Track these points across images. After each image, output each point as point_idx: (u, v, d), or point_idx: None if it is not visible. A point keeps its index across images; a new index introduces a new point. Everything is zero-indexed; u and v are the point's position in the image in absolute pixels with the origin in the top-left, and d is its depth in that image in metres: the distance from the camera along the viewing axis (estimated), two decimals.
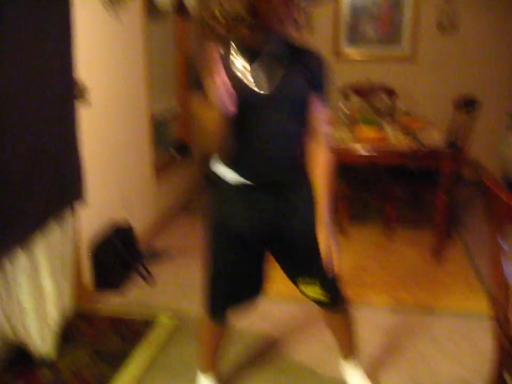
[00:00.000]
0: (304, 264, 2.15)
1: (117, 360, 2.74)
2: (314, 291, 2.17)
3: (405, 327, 3.09)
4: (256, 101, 1.88)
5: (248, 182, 2.00)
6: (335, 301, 2.24)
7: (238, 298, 2.24)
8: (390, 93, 5.26)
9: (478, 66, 5.74)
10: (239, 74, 1.90)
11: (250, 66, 1.90)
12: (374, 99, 5.19)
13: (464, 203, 5.26)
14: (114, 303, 3.35)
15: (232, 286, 2.18)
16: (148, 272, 3.69)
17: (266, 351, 2.87)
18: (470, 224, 4.71)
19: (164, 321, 3.11)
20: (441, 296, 3.44)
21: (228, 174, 2.03)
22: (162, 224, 4.64)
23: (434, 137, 3.74)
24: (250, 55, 1.91)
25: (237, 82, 1.84)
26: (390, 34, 5.81)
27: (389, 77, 5.66)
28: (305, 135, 2.06)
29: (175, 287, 3.56)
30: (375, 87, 5.19)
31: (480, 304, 3.32)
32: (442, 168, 3.74)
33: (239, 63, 1.91)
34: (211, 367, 2.46)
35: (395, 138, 3.94)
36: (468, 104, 4.23)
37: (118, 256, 3.48)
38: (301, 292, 2.24)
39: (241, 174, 2.00)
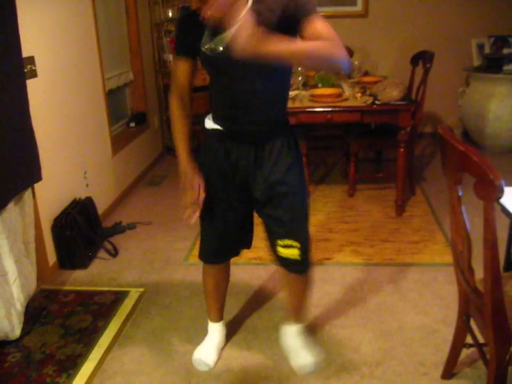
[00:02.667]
0: (286, 224, 2.13)
1: (87, 336, 2.72)
2: (292, 253, 2.17)
3: (370, 281, 3.14)
4: (225, 58, 1.75)
5: (223, 130, 2.07)
6: (305, 264, 2.26)
7: (228, 246, 2.32)
8: (347, 51, 5.24)
9: (433, 20, 5.75)
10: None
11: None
12: None
13: (423, 157, 5.33)
14: (80, 279, 3.31)
15: (219, 240, 2.26)
16: (113, 246, 3.65)
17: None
18: (431, 178, 4.79)
19: (132, 294, 3.09)
20: (405, 250, 3.50)
21: (209, 124, 2.12)
22: (123, 197, 4.58)
23: (392, 93, 3.76)
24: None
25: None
26: None
27: (345, 36, 5.60)
28: (288, 89, 2.11)
29: (141, 259, 3.54)
30: None
31: (443, 256, 3.39)
32: (401, 123, 3.76)
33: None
34: (218, 314, 2.56)
35: (352, 96, 3.94)
36: (423, 59, 4.25)
37: (80, 232, 3.43)
38: (276, 253, 2.23)
39: (219, 123, 2.08)
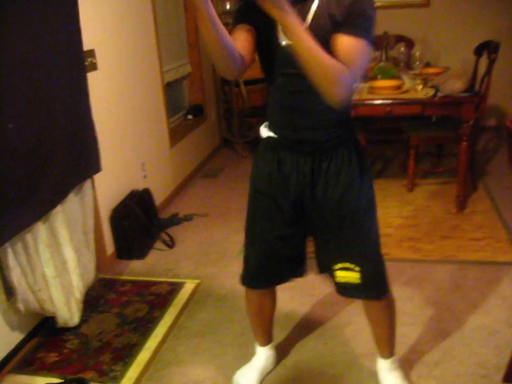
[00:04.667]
0: (342, 246, 1.93)
1: (143, 326, 2.75)
2: (350, 276, 1.95)
3: (429, 279, 3.06)
4: (285, 53, 1.63)
5: (278, 138, 1.89)
6: (373, 288, 2.01)
7: (273, 273, 2.09)
8: (409, 43, 5.11)
9: (498, 10, 5.54)
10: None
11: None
12: (391, 51, 5.04)
13: (486, 152, 5.15)
14: (137, 270, 3.37)
15: (265, 259, 2.05)
16: (170, 237, 3.69)
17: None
18: (494, 173, 4.62)
19: (188, 286, 3.11)
20: (467, 247, 3.38)
21: (264, 132, 1.95)
22: (180, 188, 4.62)
23: (455, 85, 3.64)
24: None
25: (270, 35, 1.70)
26: None
27: (406, 26, 5.49)
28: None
29: (197, 251, 3.56)
30: (392, 39, 5.03)
31: (507, 254, 3.27)
32: (463, 116, 3.63)
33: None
34: (264, 338, 2.37)
35: (413, 87, 3.83)
36: (488, 50, 4.09)
37: (138, 223, 3.48)
38: (334, 280, 2.01)
39: (274, 129, 1.90)
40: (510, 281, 2.95)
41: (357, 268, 1.93)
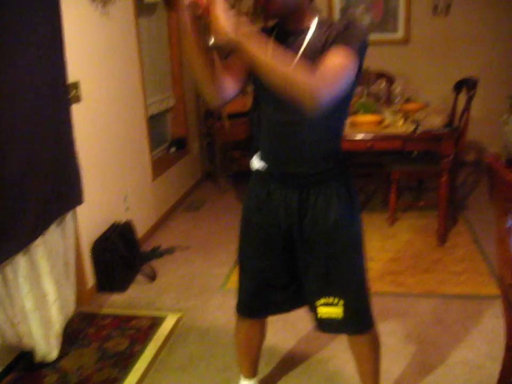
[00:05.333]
0: (326, 281, 1.89)
1: (123, 361, 2.71)
2: (333, 311, 1.92)
3: (412, 313, 3.06)
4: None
5: (270, 171, 1.87)
6: (354, 323, 1.97)
7: (265, 302, 2.06)
8: (389, 79, 5.20)
9: (476, 47, 5.68)
10: None
11: None
12: (372, 87, 5.12)
13: (466, 186, 5.22)
14: (118, 303, 3.32)
15: (256, 288, 2.03)
16: (151, 270, 3.65)
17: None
18: (474, 207, 4.67)
19: (169, 319, 3.08)
20: (448, 281, 3.40)
21: (255, 163, 1.94)
22: (162, 221, 4.60)
23: (434, 121, 3.70)
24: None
25: None
26: (385, 18, 5.76)
27: (387, 62, 5.59)
28: (341, 124, 1.86)
29: (179, 284, 3.53)
30: (373, 75, 5.12)
31: (488, 287, 3.28)
32: (443, 151, 3.69)
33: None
34: (250, 370, 2.33)
35: (394, 123, 3.89)
36: (467, 87, 4.18)
37: (119, 255, 3.45)
38: (317, 317, 1.98)
39: (265, 161, 1.89)
40: (492, 314, 2.96)
41: (340, 302, 1.90)
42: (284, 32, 1.73)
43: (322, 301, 1.92)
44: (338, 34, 1.62)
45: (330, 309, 1.92)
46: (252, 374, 2.34)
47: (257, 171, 1.93)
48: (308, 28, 1.70)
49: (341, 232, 1.86)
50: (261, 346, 2.29)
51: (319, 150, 1.80)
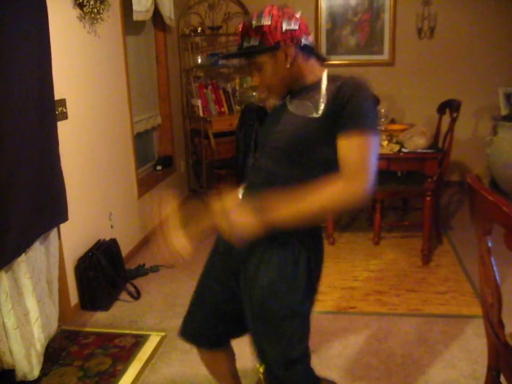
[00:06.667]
0: (255, 339, 1.81)
1: (105, 380, 2.68)
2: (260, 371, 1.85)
3: (395, 332, 3.06)
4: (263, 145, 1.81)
5: None
6: None
7: (212, 329, 1.97)
8: (374, 100, 5.25)
9: (460, 69, 5.77)
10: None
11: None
12: None
13: (450, 206, 5.26)
14: (101, 321, 3.29)
15: (203, 313, 1.96)
16: (135, 288, 3.63)
17: None
18: (458, 226, 4.71)
19: (153, 338, 3.05)
20: (432, 300, 3.41)
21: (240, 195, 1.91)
22: (147, 239, 4.58)
23: (419, 141, 3.75)
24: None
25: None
26: (370, 40, 5.84)
27: (372, 84, 5.65)
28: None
29: (163, 303, 3.51)
30: None
31: (471, 307, 3.30)
32: (427, 172, 3.73)
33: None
34: None
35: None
36: (450, 108, 4.24)
37: (103, 273, 3.43)
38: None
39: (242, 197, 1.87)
40: (475, 334, 2.98)
41: (261, 369, 1.84)
42: (296, 91, 1.76)
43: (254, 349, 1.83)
44: (351, 110, 1.59)
45: (260, 369, 1.85)
46: None
47: None
48: (319, 82, 1.71)
49: (272, 298, 1.71)
50: (233, 367, 2.16)
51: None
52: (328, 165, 1.64)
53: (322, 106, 1.64)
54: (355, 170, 1.55)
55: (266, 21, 1.62)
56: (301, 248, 1.70)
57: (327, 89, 1.67)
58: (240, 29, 1.68)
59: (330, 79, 1.71)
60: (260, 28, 1.63)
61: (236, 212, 1.57)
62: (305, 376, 1.81)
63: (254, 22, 1.63)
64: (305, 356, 1.81)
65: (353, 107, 1.60)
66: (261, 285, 1.70)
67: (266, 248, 1.71)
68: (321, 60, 1.80)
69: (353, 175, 1.55)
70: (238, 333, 2.00)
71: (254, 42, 1.64)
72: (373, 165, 1.59)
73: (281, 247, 1.70)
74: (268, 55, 1.67)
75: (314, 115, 1.64)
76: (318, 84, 1.71)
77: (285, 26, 1.63)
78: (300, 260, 1.70)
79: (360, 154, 1.56)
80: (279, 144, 1.71)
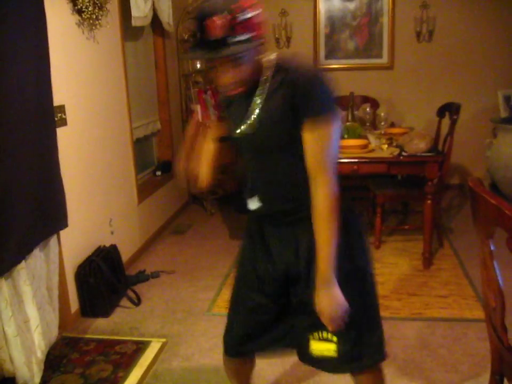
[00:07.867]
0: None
1: None
2: (326, 348, 1.78)
3: (397, 336, 3.04)
4: (240, 138, 1.79)
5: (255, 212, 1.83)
6: (347, 360, 1.82)
7: (255, 342, 1.94)
8: (374, 103, 5.26)
9: (459, 72, 5.77)
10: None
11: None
12: (357, 111, 5.17)
13: (451, 209, 5.25)
14: (102, 328, 3.28)
15: (244, 327, 1.93)
16: (136, 294, 3.62)
17: None
18: (459, 230, 4.70)
19: (154, 345, 3.04)
20: (434, 304, 3.40)
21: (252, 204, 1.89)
22: (147, 245, 4.57)
23: (419, 145, 3.74)
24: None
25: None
26: (369, 44, 5.85)
27: (371, 87, 5.67)
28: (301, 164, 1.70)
29: (164, 309, 3.50)
30: (358, 99, 5.18)
31: (473, 310, 3.29)
32: (428, 175, 3.72)
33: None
34: None
35: (379, 147, 3.92)
36: (450, 111, 4.24)
37: (104, 279, 3.41)
38: (310, 352, 1.83)
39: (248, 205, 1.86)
40: (477, 338, 2.96)
41: (334, 339, 1.77)
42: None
43: (315, 335, 1.80)
44: (306, 101, 1.58)
45: (323, 345, 1.79)
46: None
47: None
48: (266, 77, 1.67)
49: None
50: (251, 373, 2.20)
51: (278, 196, 1.77)
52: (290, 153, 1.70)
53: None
54: (314, 175, 1.62)
55: (250, 14, 1.52)
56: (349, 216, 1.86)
57: (274, 79, 1.66)
58: (217, 25, 1.52)
59: (277, 67, 1.67)
60: (246, 22, 1.52)
61: (326, 306, 1.65)
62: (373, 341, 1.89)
63: (239, 16, 1.50)
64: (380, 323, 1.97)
65: (303, 94, 1.58)
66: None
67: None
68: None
69: (315, 180, 1.63)
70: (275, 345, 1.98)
71: (241, 37, 1.52)
72: (331, 159, 1.64)
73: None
74: (254, 49, 1.58)
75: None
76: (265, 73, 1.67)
77: (261, 16, 1.56)
78: (351, 230, 1.83)
79: (318, 153, 1.62)
80: (255, 144, 1.75)
